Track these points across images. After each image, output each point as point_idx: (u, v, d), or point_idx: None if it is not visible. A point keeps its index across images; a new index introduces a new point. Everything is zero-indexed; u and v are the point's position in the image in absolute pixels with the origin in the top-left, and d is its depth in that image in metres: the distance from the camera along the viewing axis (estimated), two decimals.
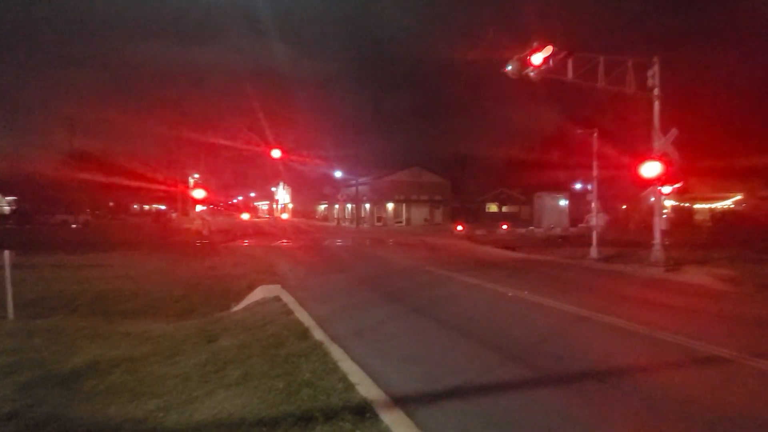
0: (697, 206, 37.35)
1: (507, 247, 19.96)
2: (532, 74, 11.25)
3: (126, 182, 43.97)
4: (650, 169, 11.37)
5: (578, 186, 37.02)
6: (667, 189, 11.79)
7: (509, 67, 11.34)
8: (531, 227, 32.36)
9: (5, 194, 46.13)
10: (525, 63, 11.05)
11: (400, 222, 45.15)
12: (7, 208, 43.18)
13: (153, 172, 42.37)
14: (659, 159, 11.48)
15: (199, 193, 29.02)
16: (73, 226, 35.59)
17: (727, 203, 38.03)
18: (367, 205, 45.78)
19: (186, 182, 40.23)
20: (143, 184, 42.86)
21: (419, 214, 46.21)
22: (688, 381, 4.53)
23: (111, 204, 57.12)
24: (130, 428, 3.57)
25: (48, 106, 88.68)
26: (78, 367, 4.98)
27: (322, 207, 61.00)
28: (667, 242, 13.56)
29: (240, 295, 9.58)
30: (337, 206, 51.86)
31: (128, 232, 30.35)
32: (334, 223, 50.21)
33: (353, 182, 43.92)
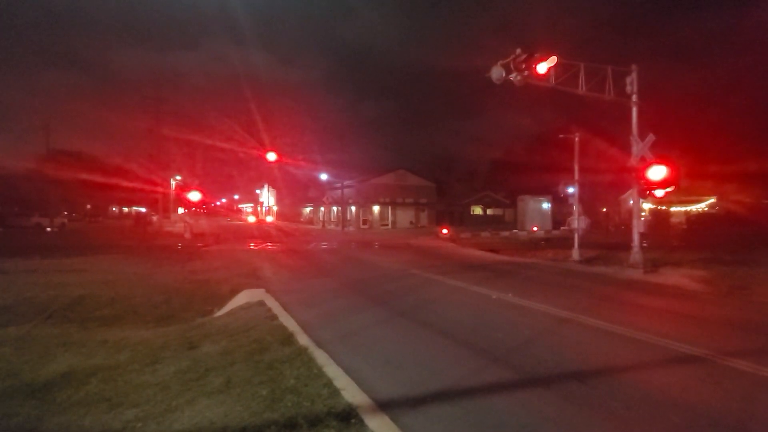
0: (673, 209, 38.52)
1: (491, 250, 20.20)
2: (515, 80, 11.42)
3: (104, 183, 42.66)
4: (657, 172, 11.60)
5: (564, 189, 37.72)
6: (660, 192, 12.00)
7: (493, 73, 11.50)
8: (515, 230, 32.82)
9: None
10: (518, 69, 11.12)
11: (386, 225, 45.16)
12: None
13: (133, 174, 41.24)
14: (656, 163, 11.65)
15: (194, 196, 28.34)
16: (48, 229, 34.37)
17: (701, 206, 39.34)
18: (353, 208, 45.63)
19: (168, 184, 39.35)
20: (123, 183, 41.62)
21: (405, 216, 46.35)
22: (665, 381, 4.64)
23: (88, 206, 55.39)
24: None
25: (25, 106, 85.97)
26: (52, 377, 4.80)
27: (308, 210, 60.52)
28: (645, 244, 13.94)
29: (223, 300, 9.40)
30: (322, 209, 51.54)
31: (107, 235, 29.53)
32: (320, 226, 49.89)
33: (339, 185, 43.77)
